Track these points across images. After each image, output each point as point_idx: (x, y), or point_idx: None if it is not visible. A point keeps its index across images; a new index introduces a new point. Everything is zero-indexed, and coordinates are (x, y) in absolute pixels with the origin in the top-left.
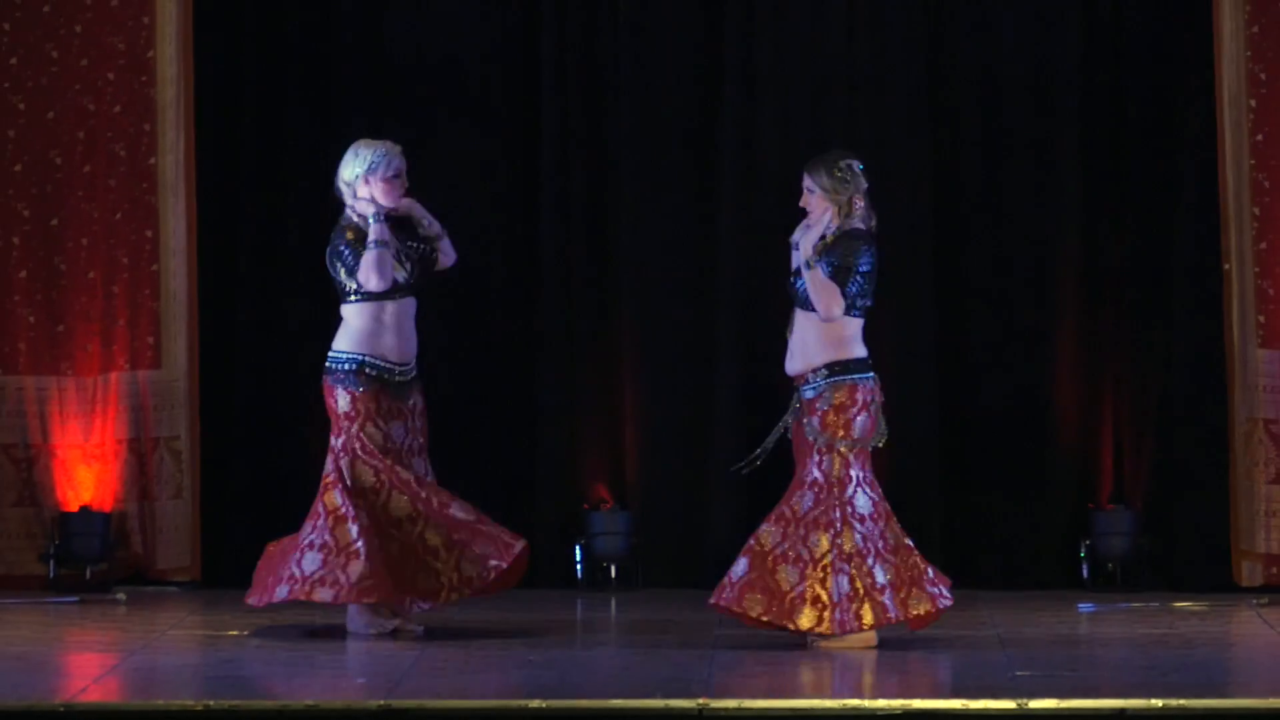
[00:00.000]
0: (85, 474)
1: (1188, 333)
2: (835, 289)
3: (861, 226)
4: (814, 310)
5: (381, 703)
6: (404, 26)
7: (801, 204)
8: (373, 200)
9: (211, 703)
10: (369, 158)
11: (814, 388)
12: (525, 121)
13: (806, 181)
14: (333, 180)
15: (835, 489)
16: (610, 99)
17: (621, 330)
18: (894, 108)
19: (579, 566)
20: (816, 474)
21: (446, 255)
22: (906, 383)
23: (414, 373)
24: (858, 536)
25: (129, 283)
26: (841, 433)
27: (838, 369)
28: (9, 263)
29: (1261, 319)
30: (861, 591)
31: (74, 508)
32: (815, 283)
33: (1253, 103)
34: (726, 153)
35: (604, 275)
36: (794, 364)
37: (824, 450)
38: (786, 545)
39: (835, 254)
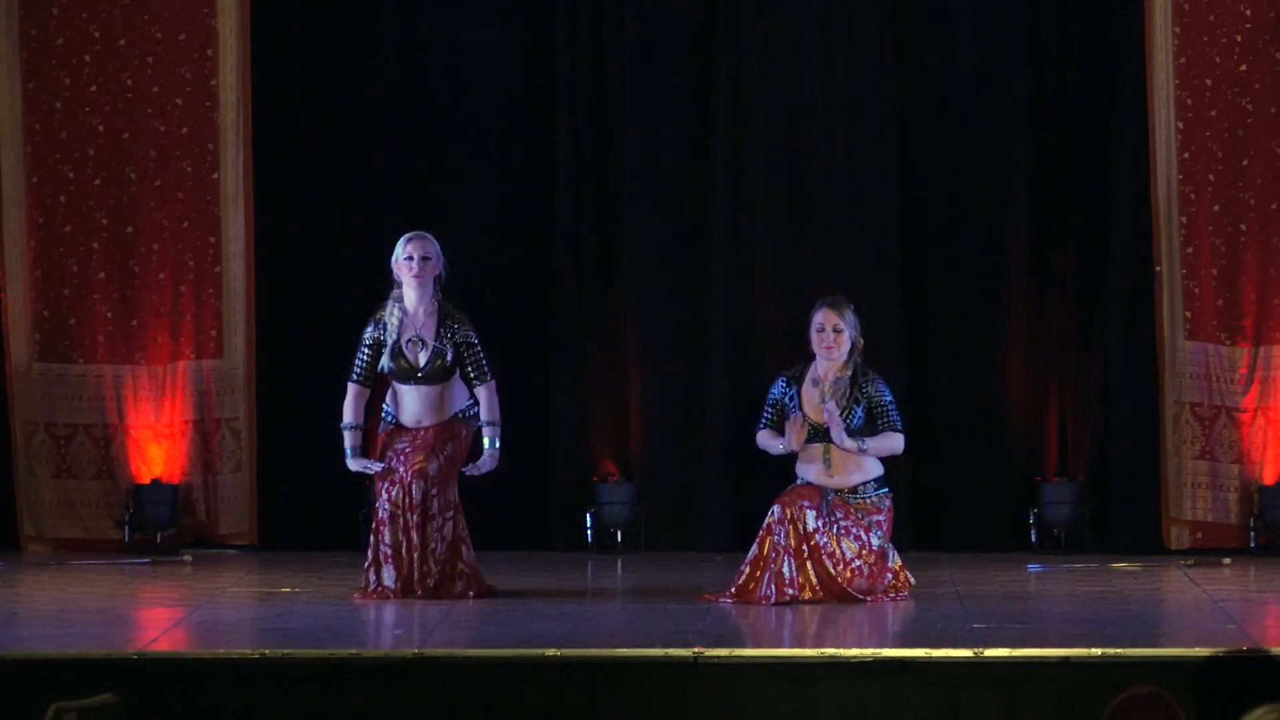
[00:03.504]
0: (156, 450)
1: (1124, 327)
2: (896, 437)
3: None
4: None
5: (416, 651)
6: (437, 58)
7: (827, 346)
8: (399, 283)
9: (266, 651)
10: (395, 249)
11: (870, 498)
12: (543, 139)
13: (835, 321)
14: (372, 193)
15: (870, 558)
16: (617, 121)
17: (627, 326)
18: (864, 132)
19: (589, 532)
20: (862, 532)
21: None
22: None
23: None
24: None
25: (195, 283)
26: (887, 530)
27: (884, 481)
28: (90, 265)
29: (1188, 314)
30: None
31: (146, 480)
32: (881, 449)
33: (1180, 125)
34: (718, 170)
35: (611, 277)
36: (849, 479)
37: (874, 528)
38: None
39: (865, 393)
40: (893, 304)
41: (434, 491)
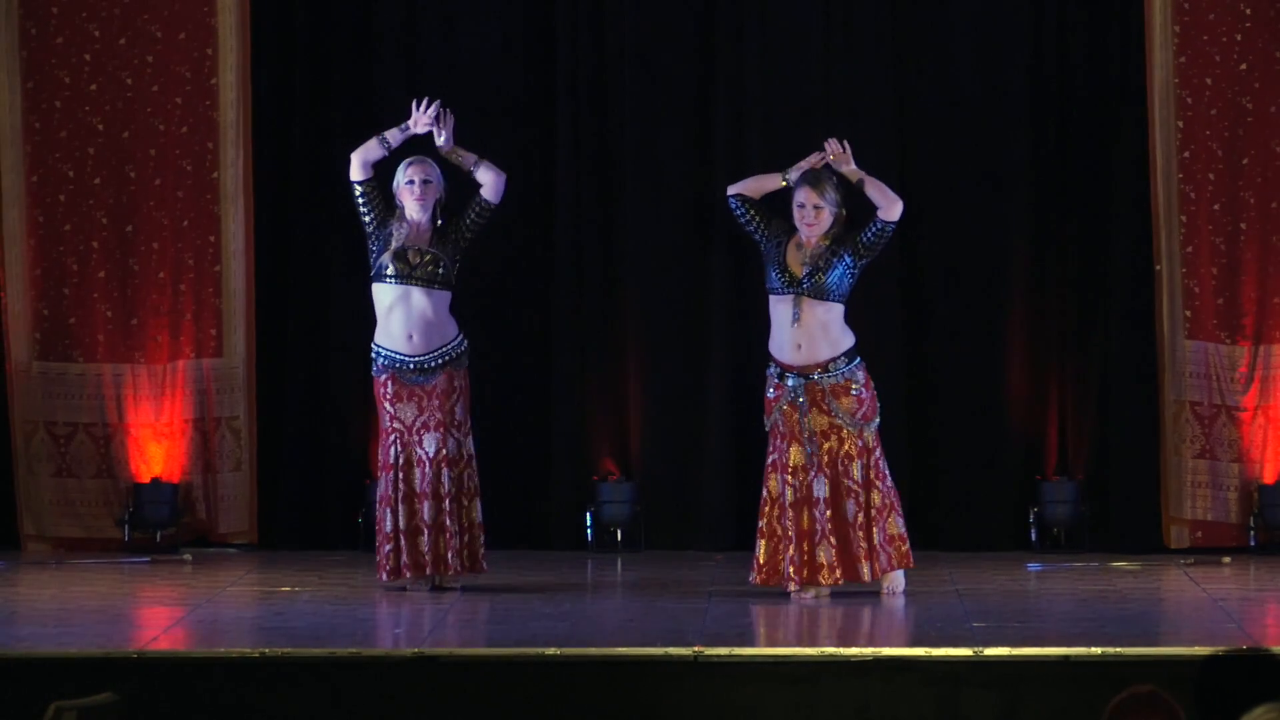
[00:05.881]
0: (156, 449)
1: (1124, 325)
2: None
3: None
4: (835, 301)
5: (416, 650)
6: (436, 55)
7: (808, 223)
8: (401, 206)
9: (266, 650)
10: (396, 175)
11: (841, 374)
12: (543, 137)
13: (815, 200)
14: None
15: (873, 453)
16: (617, 120)
17: (626, 324)
18: (865, 131)
19: (589, 531)
20: (859, 443)
21: (489, 187)
22: (877, 373)
23: (436, 360)
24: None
25: (194, 281)
26: (871, 410)
27: (855, 353)
28: (89, 264)
29: (1188, 313)
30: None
31: (146, 479)
32: (878, 185)
33: (1180, 124)
34: (718, 169)
35: (611, 276)
36: (818, 352)
37: (861, 425)
38: (862, 513)
39: (845, 245)
40: (892, 302)
41: (460, 472)
